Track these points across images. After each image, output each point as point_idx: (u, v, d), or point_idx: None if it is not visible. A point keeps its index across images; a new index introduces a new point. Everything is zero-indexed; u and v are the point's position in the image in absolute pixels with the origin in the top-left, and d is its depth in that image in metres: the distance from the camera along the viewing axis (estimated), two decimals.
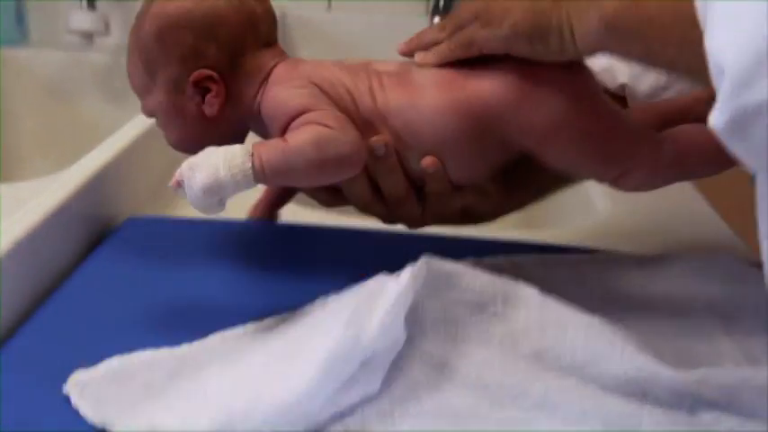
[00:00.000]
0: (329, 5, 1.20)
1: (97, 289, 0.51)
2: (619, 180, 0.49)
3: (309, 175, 0.47)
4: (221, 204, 0.45)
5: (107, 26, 1.07)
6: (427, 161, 0.49)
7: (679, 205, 0.71)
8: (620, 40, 0.42)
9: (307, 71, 0.50)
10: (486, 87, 0.48)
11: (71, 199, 0.55)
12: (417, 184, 0.51)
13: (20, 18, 1.17)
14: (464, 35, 0.48)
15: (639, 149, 0.48)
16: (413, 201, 0.51)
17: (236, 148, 0.45)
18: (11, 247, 0.47)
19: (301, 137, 0.46)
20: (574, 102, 0.47)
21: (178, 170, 0.44)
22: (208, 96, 0.50)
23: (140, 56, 0.50)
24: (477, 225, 0.55)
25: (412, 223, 0.54)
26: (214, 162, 0.44)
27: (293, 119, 0.47)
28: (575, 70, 0.48)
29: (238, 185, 0.44)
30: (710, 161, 0.49)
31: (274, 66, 0.51)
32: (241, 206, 0.58)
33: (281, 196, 0.59)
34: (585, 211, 0.75)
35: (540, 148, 0.48)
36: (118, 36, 1.12)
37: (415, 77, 0.49)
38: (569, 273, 0.52)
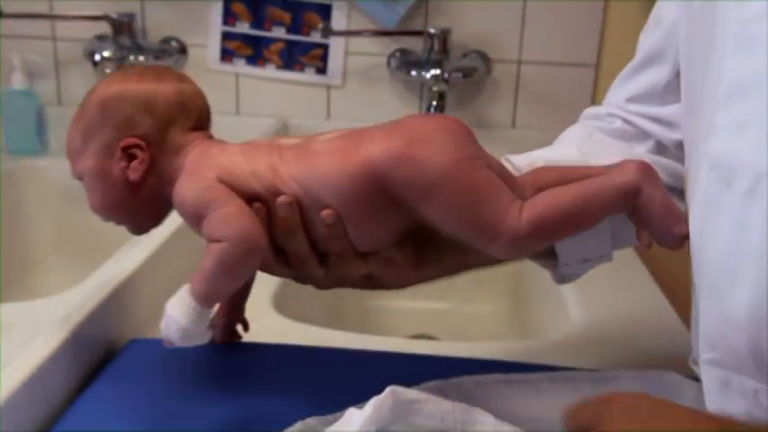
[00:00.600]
0: (328, 115, 1.28)
1: (105, 414, 0.56)
2: (490, 246, 0.51)
3: (234, 282, 0.54)
4: (207, 333, 0.53)
5: None
6: (325, 212, 0.52)
7: (649, 318, 0.77)
8: None
9: (212, 162, 0.54)
10: (373, 150, 0.51)
11: (78, 325, 0.61)
12: (321, 249, 0.55)
13: (41, 130, 1.25)
14: None
15: (504, 219, 0.50)
16: (314, 262, 0.55)
17: (183, 292, 0.52)
18: (18, 384, 0.53)
19: (209, 262, 0.51)
20: (452, 165, 0.50)
21: (163, 333, 0.53)
22: (133, 163, 0.55)
23: (81, 123, 0.56)
24: (384, 291, 0.59)
25: (317, 285, 0.57)
26: (175, 318, 0.52)
27: (192, 217, 0.54)
28: (459, 137, 0.52)
29: (201, 320, 0.52)
30: (567, 225, 0.52)
31: (193, 147, 0.56)
32: None
33: (237, 300, 0.64)
34: (562, 322, 0.80)
35: (421, 205, 0.51)
36: None
37: (314, 147, 0.54)
38: (530, 392, 0.57)
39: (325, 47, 1.24)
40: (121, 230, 1.25)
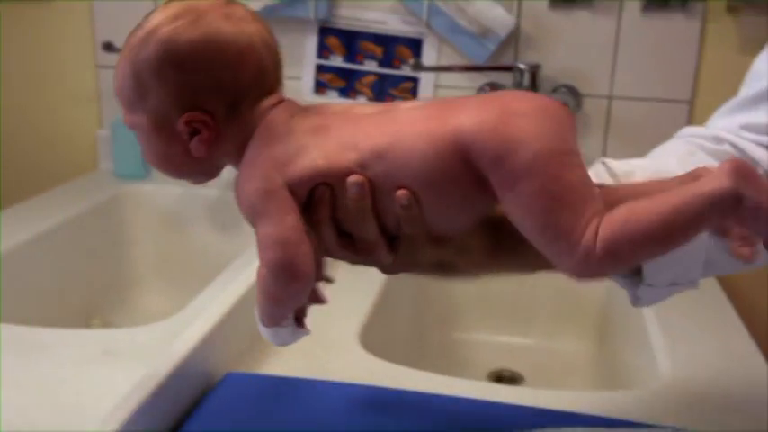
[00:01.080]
0: None
1: None
2: (559, 260, 0.46)
3: (286, 306, 0.50)
4: (297, 334, 0.53)
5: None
6: (401, 192, 0.47)
7: (740, 374, 0.75)
8: None
9: (277, 152, 0.49)
10: (465, 119, 0.47)
11: (181, 360, 0.65)
12: (391, 233, 0.50)
13: None
14: None
15: (582, 233, 0.44)
16: (384, 248, 0.50)
17: (255, 311, 0.52)
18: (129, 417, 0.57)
19: (257, 290, 0.50)
20: (547, 155, 0.45)
21: None
22: (196, 138, 0.49)
23: (135, 74, 0.49)
24: (453, 279, 0.54)
25: (384, 270, 0.53)
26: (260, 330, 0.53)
27: (246, 219, 0.50)
28: (561, 124, 0.46)
29: (276, 334, 0.52)
30: (649, 245, 0.44)
31: (262, 121, 0.50)
32: None
33: None
34: (649, 371, 0.79)
35: (503, 191, 0.46)
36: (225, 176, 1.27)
37: (396, 116, 0.49)
38: None
39: (415, 80, 1.26)
40: (217, 250, 1.31)
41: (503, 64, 1.20)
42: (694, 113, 1.20)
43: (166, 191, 1.31)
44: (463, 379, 0.76)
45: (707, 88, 1.19)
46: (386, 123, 0.49)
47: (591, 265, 0.44)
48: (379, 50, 1.26)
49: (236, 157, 0.51)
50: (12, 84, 1.38)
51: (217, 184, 1.24)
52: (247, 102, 0.50)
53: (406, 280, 1.05)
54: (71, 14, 1.33)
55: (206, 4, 0.50)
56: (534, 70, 1.16)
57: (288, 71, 1.48)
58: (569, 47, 1.20)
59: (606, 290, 1.10)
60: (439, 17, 1.19)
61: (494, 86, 1.22)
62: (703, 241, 0.54)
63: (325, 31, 1.27)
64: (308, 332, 0.53)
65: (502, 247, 0.52)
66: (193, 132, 0.49)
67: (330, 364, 0.74)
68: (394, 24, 1.24)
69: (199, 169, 0.52)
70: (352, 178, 0.48)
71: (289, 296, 0.49)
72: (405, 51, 1.25)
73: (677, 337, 0.82)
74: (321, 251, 0.51)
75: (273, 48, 0.51)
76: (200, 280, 1.27)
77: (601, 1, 1.17)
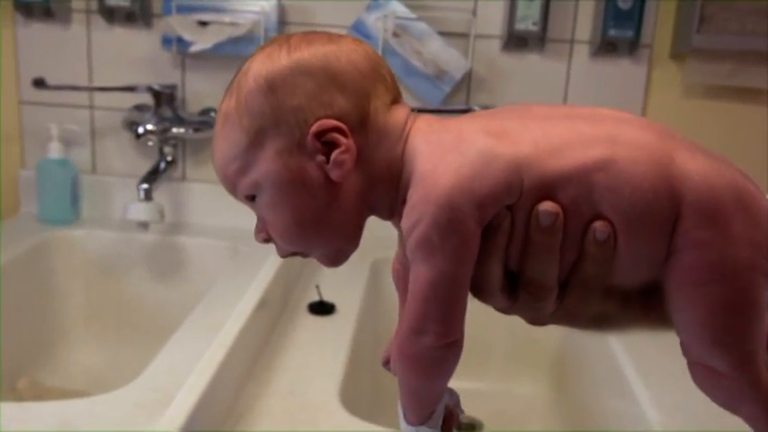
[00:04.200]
0: None
1: None
2: (717, 371, 0.40)
3: (440, 384, 0.42)
4: None
5: (162, 215, 1.13)
6: (601, 224, 0.39)
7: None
8: None
9: (454, 163, 0.39)
10: (694, 172, 0.39)
11: None
12: (562, 277, 0.41)
13: (75, 199, 1.24)
14: None
15: (752, 359, 0.40)
16: (554, 295, 0.41)
17: (401, 418, 0.43)
18: None
19: (403, 375, 0.41)
20: (752, 268, 0.39)
21: None
22: (335, 153, 0.40)
23: (242, 119, 0.41)
24: (603, 333, 0.45)
25: (534, 320, 0.44)
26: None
27: (414, 248, 0.39)
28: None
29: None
30: None
31: (413, 130, 0.41)
32: None
33: None
34: (636, 420, 0.78)
35: (690, 277, 0.39)
36: (170, 221, 1.19)
37: (606, 125, 0.40)
38: None
39: None
40: (152, 299, 1.23)
41: (457, 106, 1.19)
42: None
43: (97, 235, 1.22)
44: None
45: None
46: (604, 142, 0.39)
47: (744, 388, 0.40)
48: None
49: (385, 176, 0.41)
50: None
51: (155, 229, 1.17)
52: (378, 103, 0.41)
53: (372, 327, 1.02)
54: None
55: (294, 34, 0.43)
56: None
57: None
58: (521, 89, 1.21)
59: (562, 331, 1.10)
60: (394, 58, 1.17)
61: None
62: None
63: None
64: None
65: (656, 299, 0.43)
66: (330, 150, 0.40)
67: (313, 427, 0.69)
68: None
69: (345, 219, 0.42)
70: (547, 206, 0.38)
71: (453, 366, 0.40)
72: None
73: (659, 381, 0.81)
74: (480, 288, 0.41)
75: (386, 64, 0.43)
76: (136, 333, 1.19)
77: (551, 44, 1.19)
